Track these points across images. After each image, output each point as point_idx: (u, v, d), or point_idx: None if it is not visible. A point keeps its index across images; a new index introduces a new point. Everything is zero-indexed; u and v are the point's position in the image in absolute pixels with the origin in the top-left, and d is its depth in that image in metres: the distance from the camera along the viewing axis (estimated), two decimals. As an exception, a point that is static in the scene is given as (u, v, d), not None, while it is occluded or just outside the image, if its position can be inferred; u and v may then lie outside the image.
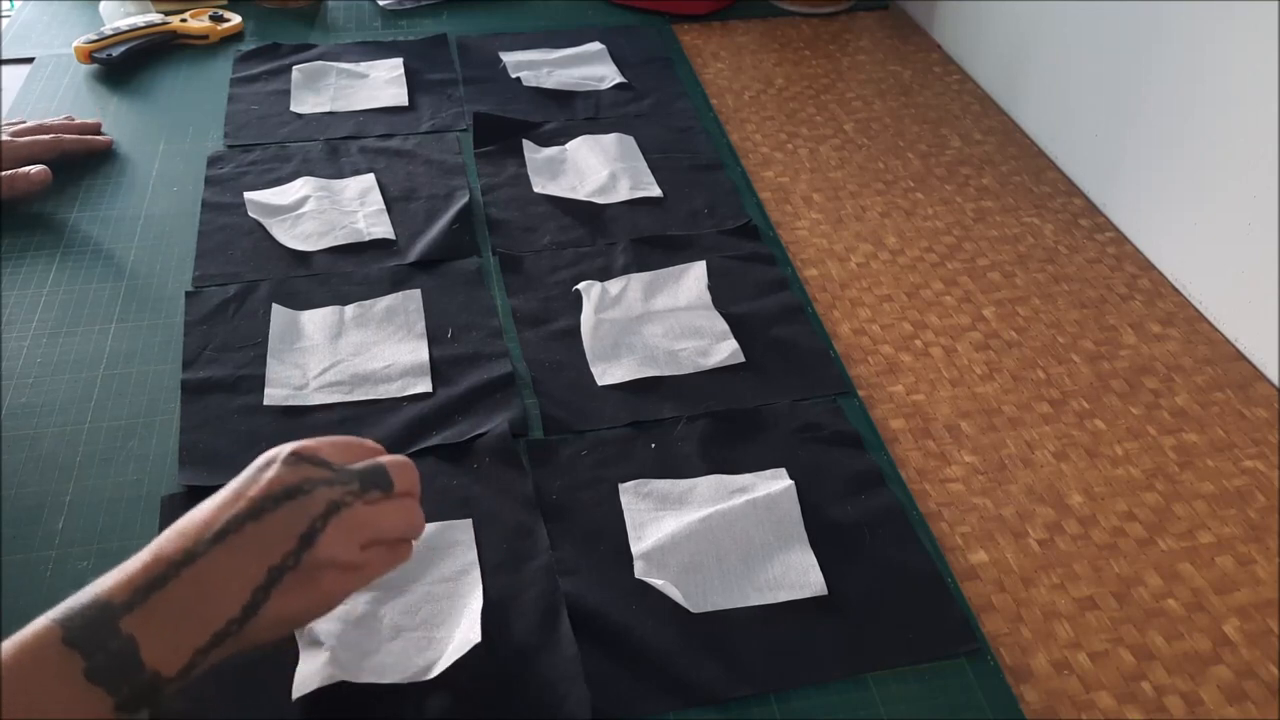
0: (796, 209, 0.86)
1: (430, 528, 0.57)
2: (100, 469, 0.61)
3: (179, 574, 0.41)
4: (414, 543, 0.49)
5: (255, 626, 0.42)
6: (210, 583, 0.41)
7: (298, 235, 0.79)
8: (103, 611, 0.39)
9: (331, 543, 0.43)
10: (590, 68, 1.05)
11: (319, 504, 0.43)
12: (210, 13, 1.10)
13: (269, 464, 0.44)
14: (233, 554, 0.41)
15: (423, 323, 0.71)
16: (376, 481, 0.46)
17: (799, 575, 0.55)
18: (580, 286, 0.74)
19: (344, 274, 0.76)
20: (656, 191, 0.86)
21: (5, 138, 0.84)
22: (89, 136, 0.90)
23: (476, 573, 0.55)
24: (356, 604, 0.52)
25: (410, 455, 0.60)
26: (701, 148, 0.93)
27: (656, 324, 0.72)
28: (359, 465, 0.46)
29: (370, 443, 0.50)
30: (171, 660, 0.40)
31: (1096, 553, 0.58)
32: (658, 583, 0.54)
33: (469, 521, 0.58)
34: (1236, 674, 0.52)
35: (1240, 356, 0.72)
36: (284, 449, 0.45)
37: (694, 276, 0.76)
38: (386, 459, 0.48)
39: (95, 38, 1.02)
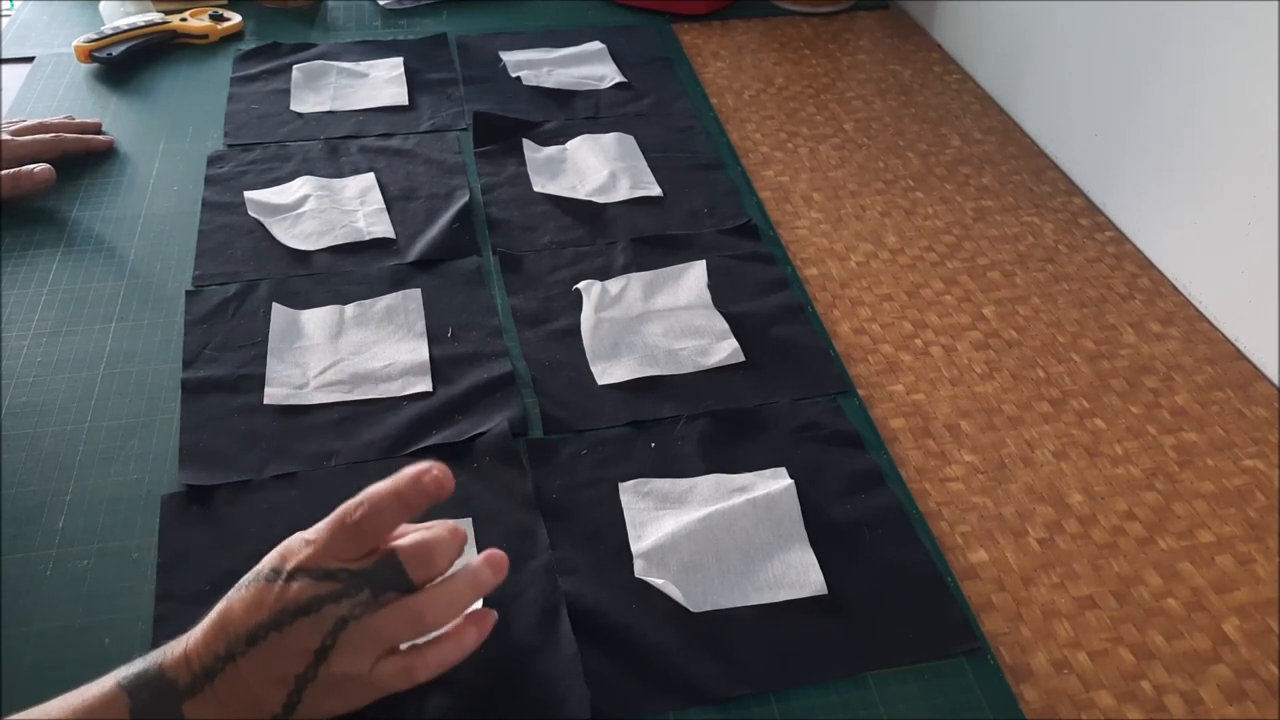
0: (796, 208, 0.86)
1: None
2: (100, 468, 0.61)
3: (224, 669, 0.42)
4: (476, 623, 0.47)
5: (302, 716, 0.43)
6: (250, 681, 0.42)
7: (298, 234, 0.79)
8: (169, 694, 0.41)
9: (343, 659, 0.43)
10: (590, 67, 1.05)
11: (328, 621, 0.43)
12: (210, 12, 1.10)
13: (288, 575, 0.43)
14: (264, 658, 0.42)
15: (423, 322, 0.71)
16: (390, 582, 0.44)
17: (799, 574, 0.55)
18: (580, 286, 0.74)
19: (344, 273, 0.76)
20: (656, 191, 0.86)
21: (5, 137, 0.84)
22: (90, 136, 0.90)
23: (476, 572, 0.55)
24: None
25: (410, 454, 0.61)
26: (701, 147, 0.93)
27: (656, 323, 0.72)
28: (370, 565, 0.44)
29: (375, 499, 0.45)
30: None
31: (1096, 552, 0.58)
32: (658, 582, 0.54)
33: (469, 521, 0.57)
34: (1236, 673, 0.52)
35: (1240, 356, 0.72)
36: (292, 557, 0.44)
37: (694, 276, 0.76)
38: (405, 545, 0.45)
39: (95, 37, 1.02)
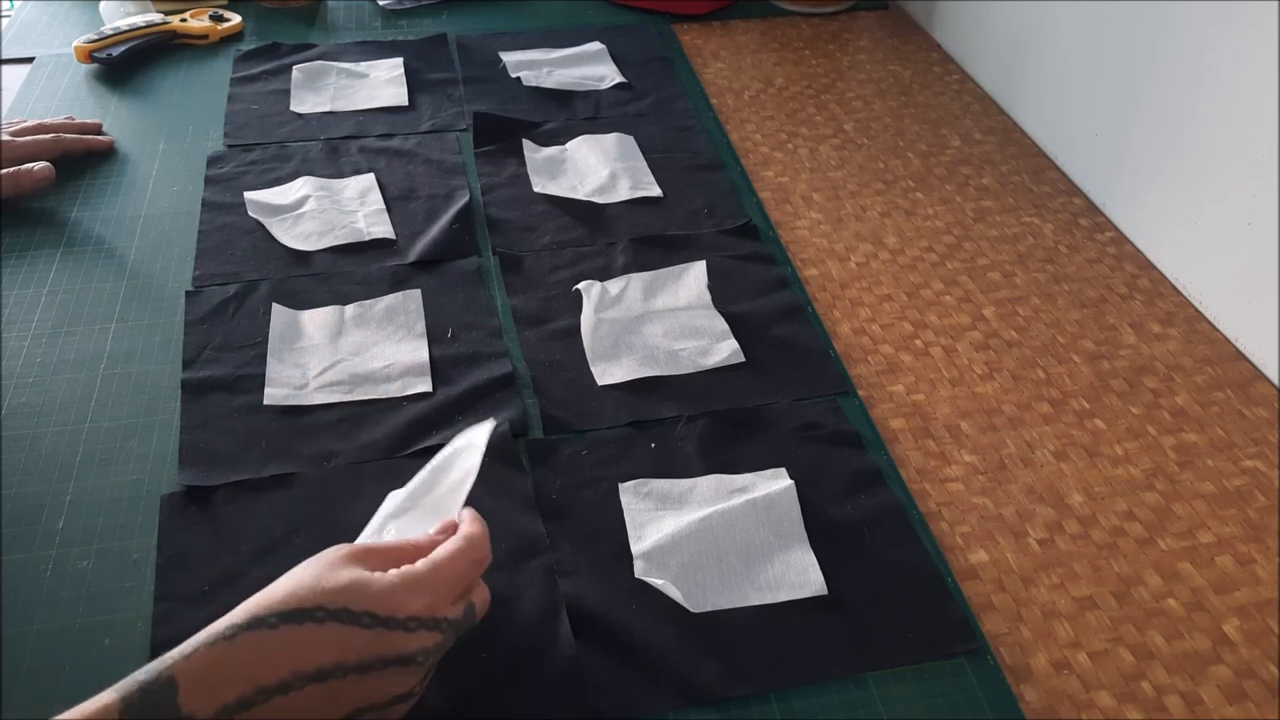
0: (796, 209, 0.86)
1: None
2: (100, 469, 0.61)
3: (268, 702, 0.40)
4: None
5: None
6: (293, 712, 0.41)
7: (298, 235, 0.79)
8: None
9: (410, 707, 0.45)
10: (590, 67, 1.05)
11: (422, 671, 0.44)
12: (210, 12, 1.10)
13: (402, 625, 0.43)
14: (324, 696, 0.41)
15: (423, 322, 0.71)
16: (466, 630, 0.47)
17: (799, 575, 0.55)
18: (580, 286, 0.74)
19: (344, 273, 0.76)
20: (656, 191, 0.86)
21: (6, 137, 0.84)
22: (90, 136, 0.90)
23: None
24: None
25: (410, 455, 0.61)
26: (701, 147, 0.93)
27: (656, 324, 0.72)
28: (460, 614, 0.46)
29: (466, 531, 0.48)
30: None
31: (1096, 552, 0.58)
32: (658, 582, 0.54)
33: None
34: (1236, 674, 0.52)
35: (1240, 356, 0.72)
36: (403, 609, 0.43)
37: (694, 276, 0.76)
38: (480, 596, 0.48)
39: (95, 37, 1.02)
